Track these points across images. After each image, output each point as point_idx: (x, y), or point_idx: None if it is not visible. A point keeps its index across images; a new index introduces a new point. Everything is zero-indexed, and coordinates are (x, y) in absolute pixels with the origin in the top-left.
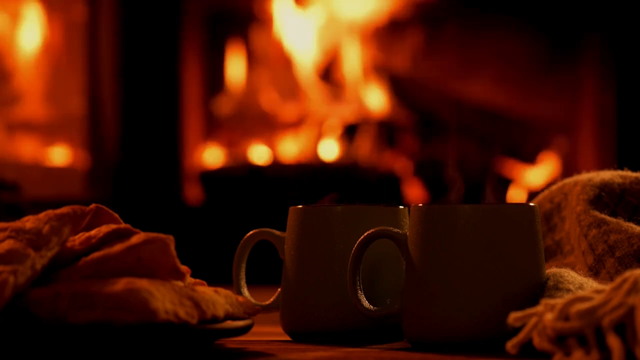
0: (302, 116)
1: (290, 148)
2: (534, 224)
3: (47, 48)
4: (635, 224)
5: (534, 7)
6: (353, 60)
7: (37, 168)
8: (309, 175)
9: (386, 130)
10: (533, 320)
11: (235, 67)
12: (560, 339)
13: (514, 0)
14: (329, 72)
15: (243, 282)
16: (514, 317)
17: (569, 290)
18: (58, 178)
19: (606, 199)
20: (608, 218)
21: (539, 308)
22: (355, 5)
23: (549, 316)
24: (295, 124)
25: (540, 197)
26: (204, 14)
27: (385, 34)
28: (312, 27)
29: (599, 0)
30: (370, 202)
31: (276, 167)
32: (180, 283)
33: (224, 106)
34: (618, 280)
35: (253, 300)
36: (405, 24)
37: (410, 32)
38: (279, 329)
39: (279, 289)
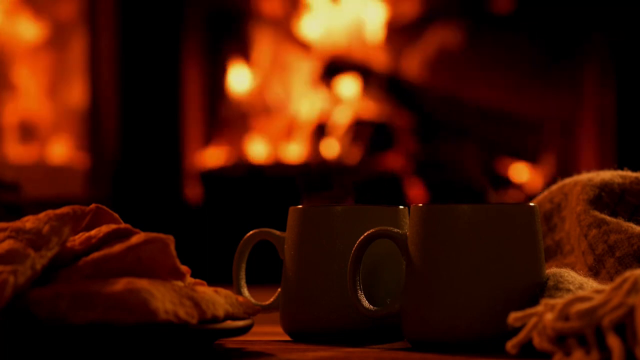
0: (303, 116)
1: (290, 148)
2: (534, 224)
3: (48, 48)
4: (635, 224)
5: (535, 8)
6: (354, 61)
7: (37, 168)
8: (309, 175)
9: (387, 131)
10: (533, 320)
11: (236, 68)
12: (560, 339)
13: (515, 2)
14: (330, 73)
15: (243, 282)
16: (514, 317)
17: (569, 290)
18: (58, 178)
19: (606, 199)
20: (608, 218)
21: (539, 308)
22: (356, 7)
23: (549, 316)
24: (296, 124)
25: (540, 197)
26: (204, 14)
27: (388, 37)
28: (314, 28)
29: (600, 1)
30: (370, 202)
31: (276, 167)
32: (180, 283)
33: (224, 106)
34: (618, 280)
35: (253, 300)
36: (407, 26)
37: (412, 34)
38: (279, 329)
39: (279, 289)
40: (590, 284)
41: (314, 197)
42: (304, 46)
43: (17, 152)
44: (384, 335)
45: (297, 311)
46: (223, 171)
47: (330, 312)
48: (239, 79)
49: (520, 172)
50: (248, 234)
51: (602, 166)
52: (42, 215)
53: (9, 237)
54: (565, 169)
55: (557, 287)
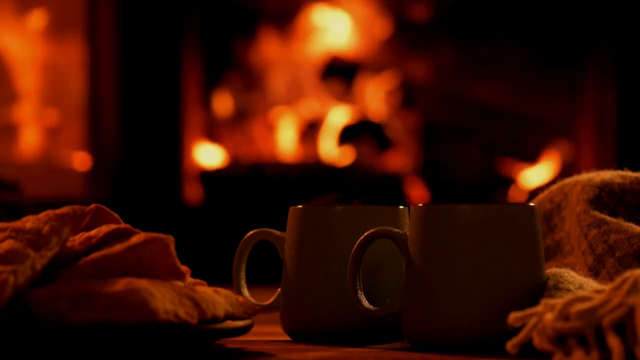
0: (303, 116)
1: (291, 148)
2: (534, 224)
3: (47, 47)
4: (635, 224)
5: (535, 8)
6: (355, 61)
7: (37, 168)
8: (309, 175)
9: (387, 131)
10: (533, 320)
11: (236, 67)
12: (560, 339)
13: (516, 3)
14: (330, 73)
15: (243, 282)
16: (514, 317)
17: (569, 290)
18: (58, 178)
19: (606, 199)
20: (608, 218)
21: (539, 308)
22: (357, 6)
23: (549, 316)
24: (296, 124)
25: (540, 197)
26: (204, 13)
27: (389, 36)
28: (315, 27)
29: (601, 3)
30: (370, 202)
31: (276, 167)
32: (180, 283)
33: (224, 106)
34: (618, 280)
35: (253, 300)
36: (408, 26)
37: (412, 34)
38: (279, 329)
39: (279, 289)
40: (590, 284)
41: (318, 199)
42: (304, 45)
43: (18, 151)
44: (384, 335)
45: (297, 311)
46: (223, 171)
47: (330, 312)
48: (239, 78)
49: (520, 172)
50: (248, 234)
51: (602, 166)
52: (42, 215)
53: (9, 237)
54: (565, 169)
55: (557, 287)
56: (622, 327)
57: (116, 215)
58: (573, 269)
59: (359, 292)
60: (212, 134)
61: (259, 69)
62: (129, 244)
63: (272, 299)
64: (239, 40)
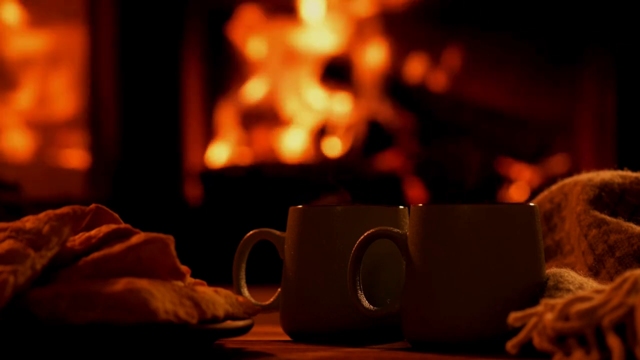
0: (304, 116)
1: (291, 148)
2: (534, 224)
3: (47, 47)
4: (635, 224)
5: (535, 8)
6: (355, 60)
7: (37, 168)
8: (309, 175)
9: (387, 131)
10: (533, 320)
11: (236, 67)
12: (560, 339)
13: (516, 3)
14: (331, 72)
15: (243, 282)
16: (514, 317)
17: (569, 290)
18: (58, 178)
19: (606, 199)
20: (608, 218)
21: (539, 308)
22: (357, 5)
23: (549, 316)
24: (297, 124)
25: (540, 197)
26: (204, 12)
27: (388, 36)
28: (315, 26)
29: (601, 4)
30: (370, 202)
31: (276, 167)
32: (180, 283)
33: (224, 106)
34: (618, 280)
35: (253, 300)
36: (407, 25)
37: (412, 34)
38: (279, 329)
39: (279, 289)
40: (590, 284)
41: (318, 198)
42: (304, 45)
43: (18, 151)
44: (384, 335)
45: (297, 311)
46: (223, 171)
47: (330, 312)
48: (239, 78)
49: (520, 172)
50: (248, 234)
51: (602, 166)
52: (42, 215)
53: (9, 237)
54: (565, 169)
55: (557, 287)
56: (622, 327)
57: (116, 215)
58: (573, 269)
59: (359, 292)
60: (213, 133)
61: (259, 68)
62: (129, 244)
63: (272, 299)
64: (240, 38)
